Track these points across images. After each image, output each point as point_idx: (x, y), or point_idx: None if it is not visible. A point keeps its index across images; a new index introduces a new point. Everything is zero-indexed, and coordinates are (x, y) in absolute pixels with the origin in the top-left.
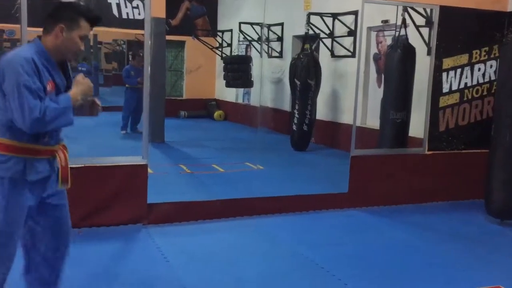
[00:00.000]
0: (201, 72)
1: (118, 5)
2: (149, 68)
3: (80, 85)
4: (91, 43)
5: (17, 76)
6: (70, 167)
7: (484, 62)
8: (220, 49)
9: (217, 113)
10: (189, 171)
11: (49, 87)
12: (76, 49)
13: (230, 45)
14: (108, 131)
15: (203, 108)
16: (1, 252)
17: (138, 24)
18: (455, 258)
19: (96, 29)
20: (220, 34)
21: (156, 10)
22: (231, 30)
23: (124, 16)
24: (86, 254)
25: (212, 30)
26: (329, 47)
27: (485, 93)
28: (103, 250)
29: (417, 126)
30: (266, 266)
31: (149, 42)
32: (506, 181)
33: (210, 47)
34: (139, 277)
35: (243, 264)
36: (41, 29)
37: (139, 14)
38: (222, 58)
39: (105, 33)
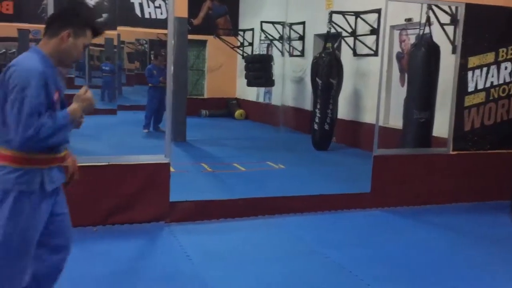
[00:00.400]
0: (222, 71)
1: (140, 5)
2: (172, 67)
3: (82, 101)
4: (115, 43)
5: (24, 89)
6: (94, 165)
7: (510, 60)
8: (241, 48)
9: (238, 112)
10: (210, 169)
11: (55, 96)
12: (77, 56)
13: (251, 44)
14: (131, 129)
15: (224, 107)
16: (18, 265)
17: (160, 23)
18: (479, 260)
19: (120, 28)
20: (241, 33)
21: (178, 10)
22: (252, 29)
23: (147, 16)
24: (110, 251)
25: (234, 29)
26: (351, 45)
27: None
28: (127, 247)
29: (442, 126)
30: (289, 265)
31: (172, 41)
32: None
33: (232, 46)
34: (162, 274)
35: (265, 263)
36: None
37: (161, 13)
38: (243, 57)
39: (128, 33)
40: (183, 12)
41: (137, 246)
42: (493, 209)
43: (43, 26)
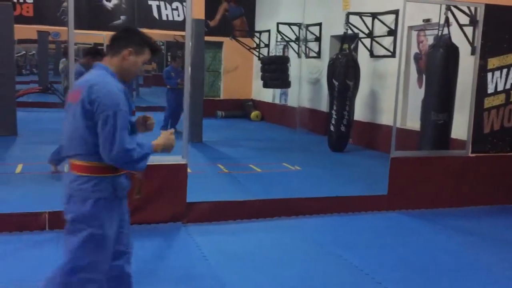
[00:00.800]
0: (239, 73)
1: (158, 7)
2: (190, 69)
3: (166, 140)
4: None
5: (116, 106)
6: None
7: None
8: (257, 50)
9: (254, 114)
10: (226, 170)
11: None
12: (136, 73)
13: (267, 45)
14: None
15: (240, 109)
16: (101, 259)
17: (177, 25)
18: (497, 263)
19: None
20: (257, 34)
21: (195, 12)
22: (268, 31)
23: (164, 18)
24: None
25: (250, 30)
26: (368, 47)
27: None
28: (144, 247)
29: (460, 128)
30: (305, 267)
31: (190, 43)
32: None
33: (248, 47)
34: (179, 274)
35: (281, 264)
36: (85, 31)
37: (178, 15)
38: (259, 58)
39: None
40: (200, 14)
41: (154, 246)
42: None
43: (62, 28)
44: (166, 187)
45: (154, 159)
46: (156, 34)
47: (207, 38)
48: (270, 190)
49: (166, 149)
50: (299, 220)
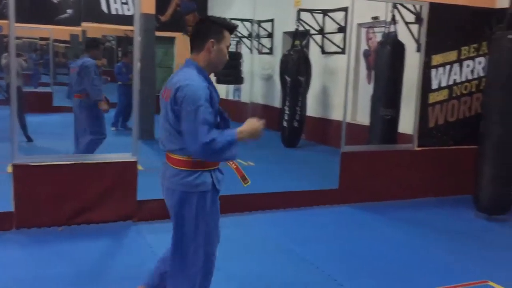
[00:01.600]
0: None
1: (107, 0)
2: (139, 65)
3: (252, 126)
4: (80, 39)
5: (197, 103)
6: (60, 164)
7: (472, 58)
8: None
9: None
10: None
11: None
12: (225, 59)
13: None
14: None
15: None
16: (198, 259)
17: (127, 20)
18: (444, 253)
19: (85, 25)
20: None
21: (145, 6)
22: None
23: (114, 12)
24: (77, 251)
25: None
26: (320, 43)
27: (473, 89)
28: (94, 247)
29: (407, 123)
30: (257, 262)
31: (139, 38)
32: (494, 177)
33: None
34: (129, 274)
35: (234, 261)
36: (30, 25)
37: (128, 10)
38: None
39: (95, 29)
40: (151, 9)
41: (104, 245)
42: (457, 203)
43: (5, 21)
44: (116, 186)
45: (102, 157)
46: (106, 29)
47: (158, 34)
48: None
49: (253, 136)
50: (251, 216)
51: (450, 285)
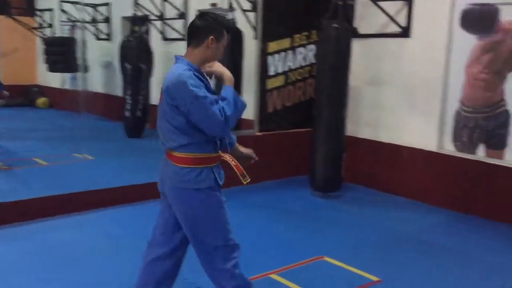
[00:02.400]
0: (20, 55)
1: None
2: None
3: (221, 67)
4: None
5: (189, 92)
6: None
7: (304, 46)
8: (40, 30)
9: (40, 101)
10: (5, 167)
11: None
12: (221, 57)
13: (51, 25)
14: None
15: (24, 95)
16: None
17: None
18: (284, 233)
19: None
20: (39, 13)
21: None
22: (51, 10)
23: None
24: None
25: (29, 8)
26: (160, 29)
27: (306, 75)
28: None
29: (249, 108)
30: (107, 263)
31: None
32: (327, 157)
33: (28, 27)
34: None
35: (81, 263)
36: None
37: None
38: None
39: None
40: None
41: None
42: (296, 184)
43: None
44: None
45: None
46: None
47: None
48: (58, 185)
49: (229, 75)
50: (94, 213)
51: (288, 265)
